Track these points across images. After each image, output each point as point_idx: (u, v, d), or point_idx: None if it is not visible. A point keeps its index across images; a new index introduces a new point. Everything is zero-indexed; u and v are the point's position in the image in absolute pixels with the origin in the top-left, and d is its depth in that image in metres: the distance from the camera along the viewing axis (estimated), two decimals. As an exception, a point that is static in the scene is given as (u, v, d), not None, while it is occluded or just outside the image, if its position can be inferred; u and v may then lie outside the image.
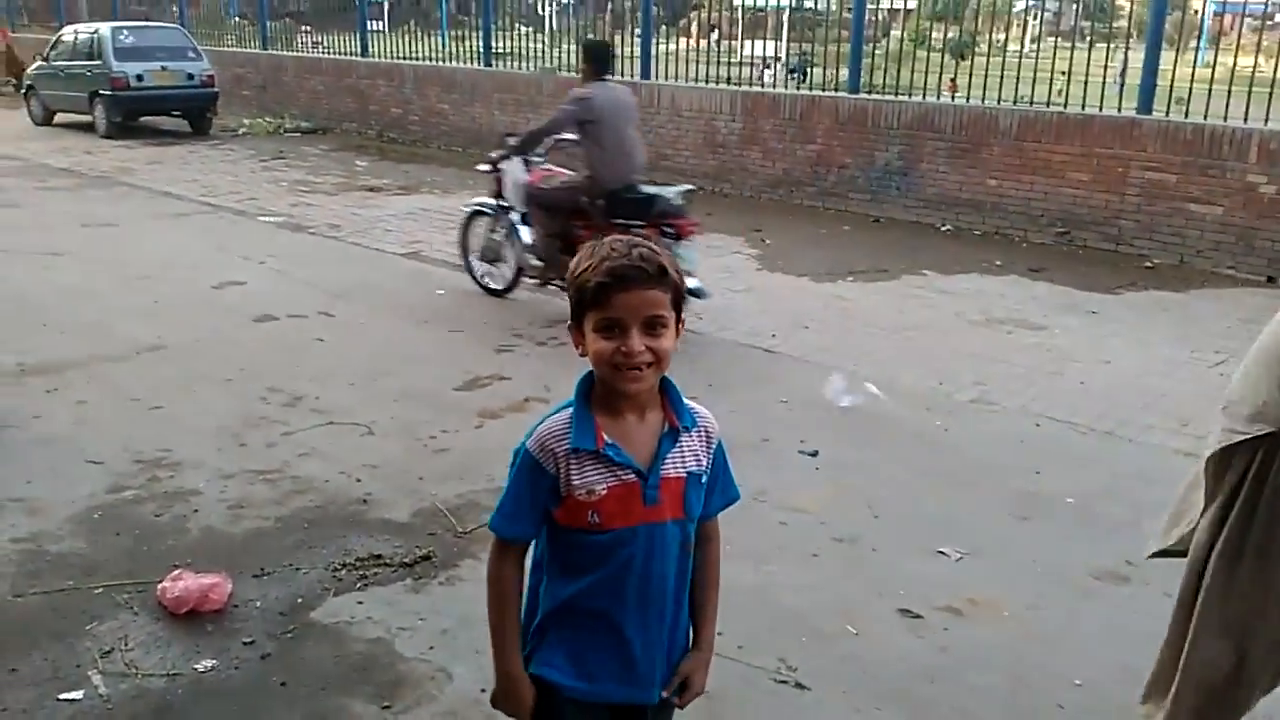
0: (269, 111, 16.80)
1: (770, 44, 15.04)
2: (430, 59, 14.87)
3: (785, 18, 14.81)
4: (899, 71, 9.99)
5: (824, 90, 10.60)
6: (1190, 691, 2.25)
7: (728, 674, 2.82)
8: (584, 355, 1.69)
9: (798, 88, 11.54)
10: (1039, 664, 3.05)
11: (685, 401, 1.78)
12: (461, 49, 14.81)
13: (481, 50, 14.00)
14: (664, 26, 14.29)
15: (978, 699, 2.89)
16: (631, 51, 11.91)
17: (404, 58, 15.22)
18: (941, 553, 3.66)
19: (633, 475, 1.69)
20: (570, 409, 1.71)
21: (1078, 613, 3.34)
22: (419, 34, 15.66)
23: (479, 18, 14.44)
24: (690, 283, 5.64)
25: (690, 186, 6.52)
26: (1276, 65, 7.67)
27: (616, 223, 5.75)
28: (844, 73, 10.33)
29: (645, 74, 11.65)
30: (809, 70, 11.85)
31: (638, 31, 11.95)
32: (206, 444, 4.41)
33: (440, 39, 15.62)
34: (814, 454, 4.45)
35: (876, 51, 10.93)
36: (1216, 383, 5.45)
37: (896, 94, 9.85)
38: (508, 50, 13.77)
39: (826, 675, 2.96)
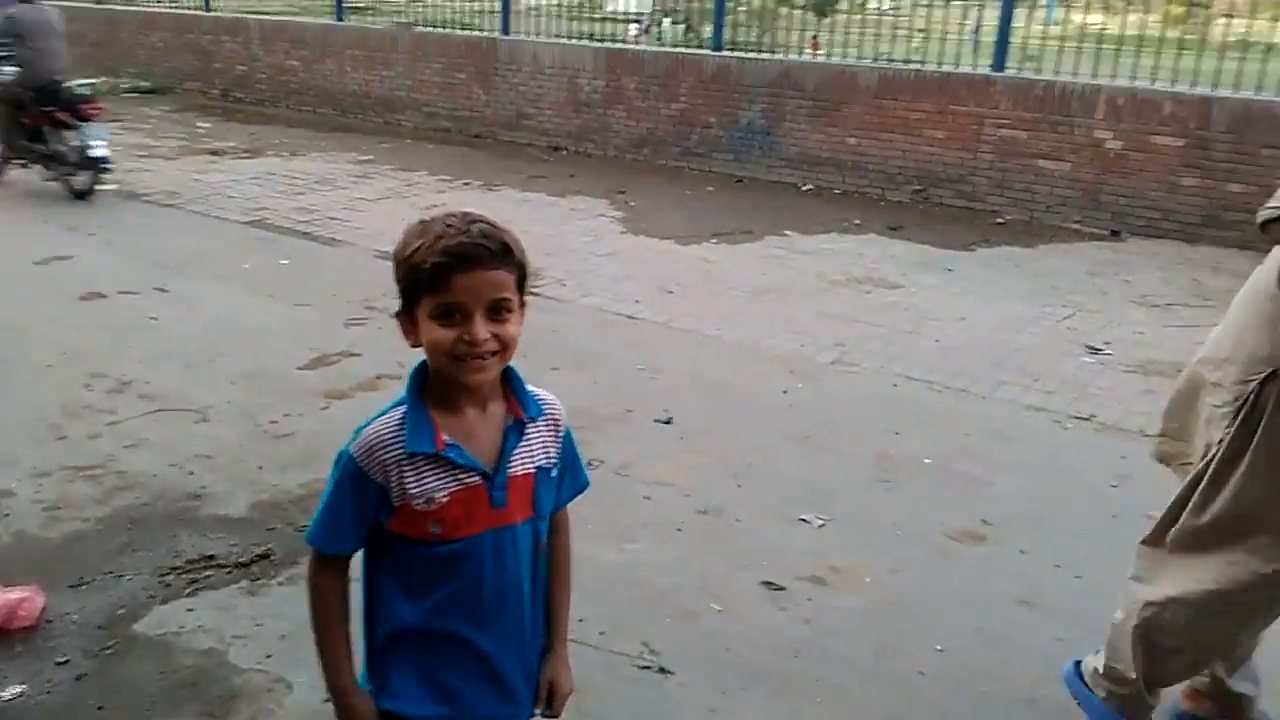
0: (105, 71, 15.71)
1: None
2: (279, 13, 14.12)
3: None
4: (760, 28, 9.93)
5: (687, 48, 10.47)
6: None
7: (589, 663, 2.71)
8: (416, 345, 1.52)
9: (684, 41, 11.34)
10: (901, 631, 3.04)
11: (529, 388, 1.62)
12: (314, 3, 14.11)
13: (334, 4, 13.37)
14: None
15: (841, 671, 2.86)
16: (490, 5, 11.54)
17: (250, 12, 14.41)
18: (804, 520, 3.63)
19: (477, 477, 1.53)
20: (402, 407, 1.54)
21: (937, 575, 3.34)
22: (265, -13, 14.86)
23: (329, -30, 13.77)
24: (100, 151, 7.65)
25: (94, 80, 9.13)
26: (1122, 22, 7.89)
27: (45, 110, 7.89)
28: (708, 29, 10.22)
29: (505, 29, 11.31)
30: (689, 23, 11.63)
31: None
32: (20, 438, 4.04)
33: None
34: (668, 421, 4.37)
35: (740, 8, 10.86)
36: (1066, 337, 5.61)
37: (759, 52, 9.79)
38: (364, 5, 13.17)
39: (690, 657, 2.88)
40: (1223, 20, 8.31)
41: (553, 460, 1.64)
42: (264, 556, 3.26)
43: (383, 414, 1.55)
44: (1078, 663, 2.66)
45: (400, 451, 1.51)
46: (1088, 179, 8.01)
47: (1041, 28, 9.11)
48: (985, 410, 4.67)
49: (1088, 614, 3.12)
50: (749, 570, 3.31)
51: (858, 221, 8.11)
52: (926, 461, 4.13)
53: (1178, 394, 2.44)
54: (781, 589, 3.22)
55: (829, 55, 9.48)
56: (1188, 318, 5.94)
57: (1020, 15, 8.60)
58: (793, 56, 9.56)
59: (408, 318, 1.52)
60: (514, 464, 1.57)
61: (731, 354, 5.26)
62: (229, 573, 3.18)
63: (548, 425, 1.64)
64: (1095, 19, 8.32)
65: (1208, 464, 2.25)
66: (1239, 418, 2.19)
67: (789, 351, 5.28)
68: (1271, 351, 2.15)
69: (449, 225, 1.46)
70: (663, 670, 2.83)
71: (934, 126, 8.63)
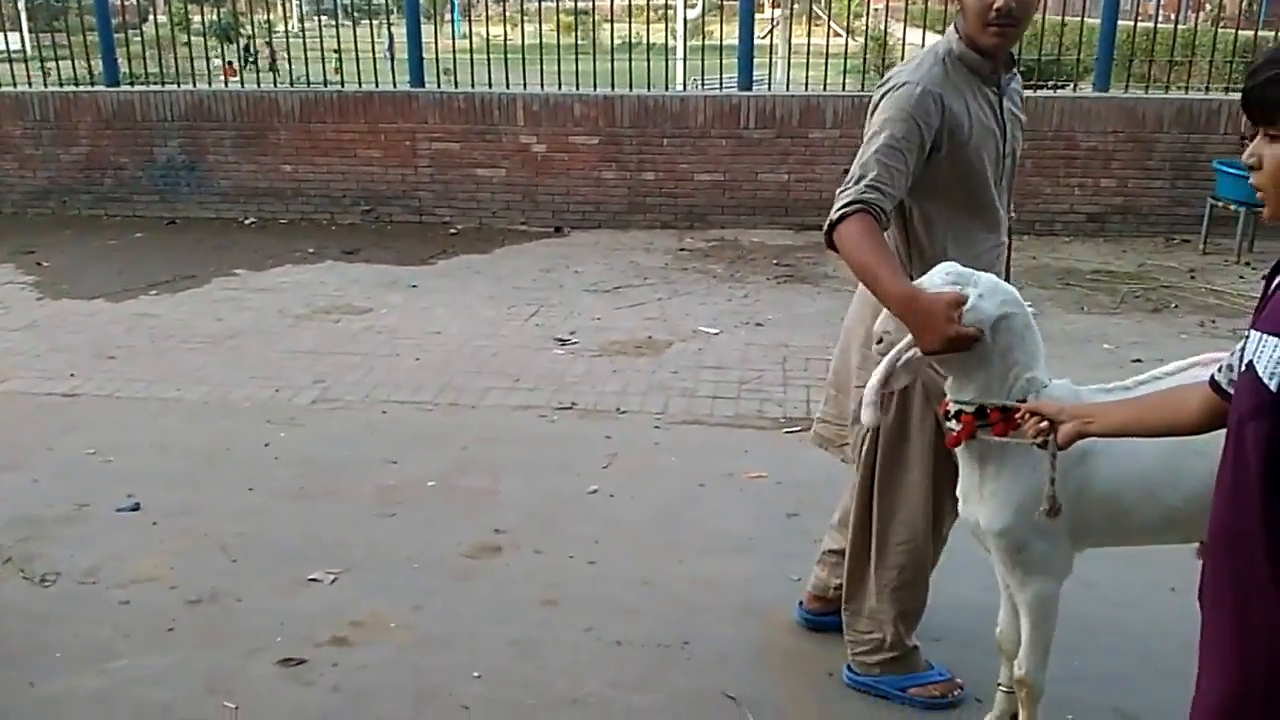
0: None
1: (13, 35, 12.85)
2: None
3: (21, 4, 12.75)
4: (160, 59, 9.12)
5: (78, 85, 9.32)
6: (896, 564, 2.61)
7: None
8: None
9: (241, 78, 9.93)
10: (436, 667, 2.91)
11: None
12: None
13: None
14: None
15: (384, 732, 2.67)
16: None
17: None
18: (314, 579, 3.36)
19: None
20: None
21: (462, 599, 3.26)
22: None
23: None
24: None
25: None
26: (522, 34, 8.39)
27: None
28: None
29: None
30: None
31: None
32: None
33: None
34: (135, 508, 3.82)
35: (134, 39, 9.88)
36: (535, 333, 5.84)
37: (164, 83, 9.00)
38: None
39: (210, 773, 2.52)
40: (607, 25, 9.19)
41: None
42: None
43: None
44: (848, 666, 2.77)
45: None
46: (523, 182, 8.45)
47: (450, 42, 9.43)
48: (476, 419, 4.69)
49: (605, 597, 3.24)
50: (262, 652, 2.98)
51: (311, 250, 7.79)
52: (430, 484, 4.04)
53: (833, 373, 2.74)
54: (303, 662, 2.93)
55: (241, 82, 9.00)
56: (634, 297, 6.49)
57: (430, 31, 8.81)
58: (203, 86, 8.92)
59: None
60: None
61: (197, 415, 4.75)
62: None
63: None
64: (497, 31, 8.77)
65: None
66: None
67: (264, 399, 4.89)
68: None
69: None
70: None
71: (368, 146, 8.56)
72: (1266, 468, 1.32)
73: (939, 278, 2.12)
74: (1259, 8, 10.60)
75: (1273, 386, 1.29)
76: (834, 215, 2.25)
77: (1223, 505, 1.44)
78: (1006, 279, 2.36)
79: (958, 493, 2.30)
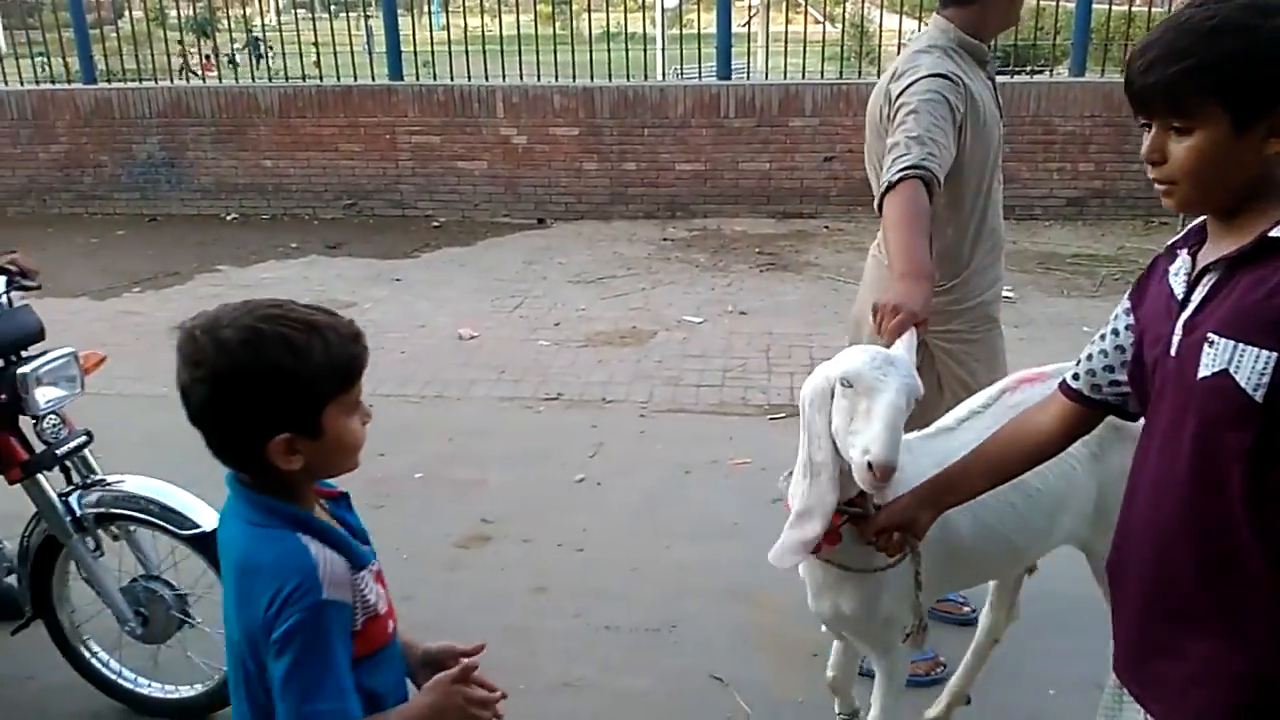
0: None
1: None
2: None
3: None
4: (137, 55, 9.07)
5: (54, 83, 9.28)
6: None
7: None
8: (297, 468, 1.35)
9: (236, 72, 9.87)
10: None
11: None
12: None
13: None
14: None
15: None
16: None
17: None
18: (305, 572, 3.39)
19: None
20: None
21: (452, 589, 3.30)
22: None
23: None
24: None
25: None
26: (500, 24, 8.38)
27: None
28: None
29: None
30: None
31: None
32: None
33: None
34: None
35: (110, 36, 9.82)
36: (520, 325, 5.87)
37: (141, 80, 8.96)
38: None
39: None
40: (586, 15, 9.20)
41: None
42: None
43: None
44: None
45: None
46: (505, 174, 8.46)
47: (428, 34, 9.41)
48: (463, 411, 4.73)
49: (593, 584, 3.29)
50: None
51: (295, 245, 7.80)
52: (417, 476, 4.07)
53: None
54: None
55: (220, 78, 8.97)
56: (618, 287, 6.53)
57: (409, 23, 8.80)
58: (180, 82, 8.89)
59: (300, 433, 1.35)
60: None
61: (178, 416, 4.75)
62: None
63: None
64: (476, 21, 8.76)
65: None
66: None
67: (249, 395, 4.90)
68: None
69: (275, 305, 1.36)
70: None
71: (349, 140, 8.56)
72: (1250, 474, 1.25)
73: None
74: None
75: (1258, 398, 1.21)
76: (892, 177, 2.23)
77: (1174, 506, 1.34)
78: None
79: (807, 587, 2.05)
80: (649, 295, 6.37)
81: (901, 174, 2.21)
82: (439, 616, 3.14)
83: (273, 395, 1.32)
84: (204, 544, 2.57)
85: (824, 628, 2.13)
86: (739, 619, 3.09)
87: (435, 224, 8.41)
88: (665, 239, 7.59)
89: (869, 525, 1.75)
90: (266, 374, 1.31)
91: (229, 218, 8.75)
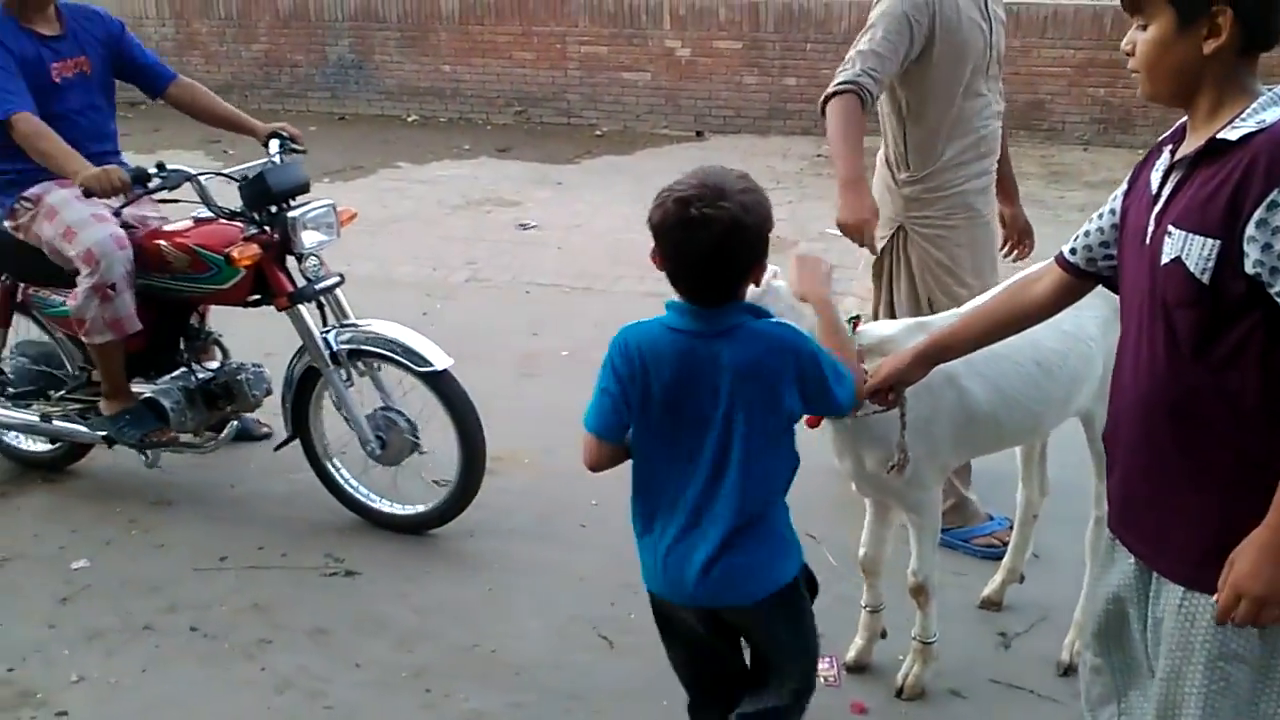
0: None
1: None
2: None
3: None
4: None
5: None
6: None
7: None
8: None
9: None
10: (560, 497, 3.41)
11: None
12: None
13: None
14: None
15: (514, 540, 3.19)
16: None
17: None
18: (462, 424, 3.88)
19: None
20: None
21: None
22: None
23: None
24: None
25: None
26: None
27: None
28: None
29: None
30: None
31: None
32: None
33: None
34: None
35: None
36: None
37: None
38: None
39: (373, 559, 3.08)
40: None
41: None
42: None
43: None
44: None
45: None
46: (667, 86, 8.74)
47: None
48: (608, 303, 5.13)
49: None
50: (419, 468, 3.52)
51: (467, 147, 8.33)
52: (564, 354, 4.51)
53: None
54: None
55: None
56: (764, 199, 6.76)
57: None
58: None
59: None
60: None
61: (366, 287, 5.25)
62: None
63: None
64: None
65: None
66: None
67: (423, 277, 5.45)
68: (893, 213, 2.86)
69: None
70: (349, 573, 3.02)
71: (522, 49, 8.98)
72: (1202, 345, 1.44)
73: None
74: None
75: (1205, 280, 1.40)
76: (830, 89, 2.66)
77: (1151, 380, 1.52)
78: (1002, 151, 2.89)
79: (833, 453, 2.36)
80: (795, 208, 6.58)
81: (838, 87, 2.63)
82: (573, 466, 3.52)
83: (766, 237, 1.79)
84: (437, 381, 2.98)
85: (853, 487, 2.43)
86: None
87: (598, 133, 8.79)
88: (819, 155, 7.73)
89: (866, 387, 2.00)
90: (768, 221, 1.79)
91: (409, 119, 9.36)
